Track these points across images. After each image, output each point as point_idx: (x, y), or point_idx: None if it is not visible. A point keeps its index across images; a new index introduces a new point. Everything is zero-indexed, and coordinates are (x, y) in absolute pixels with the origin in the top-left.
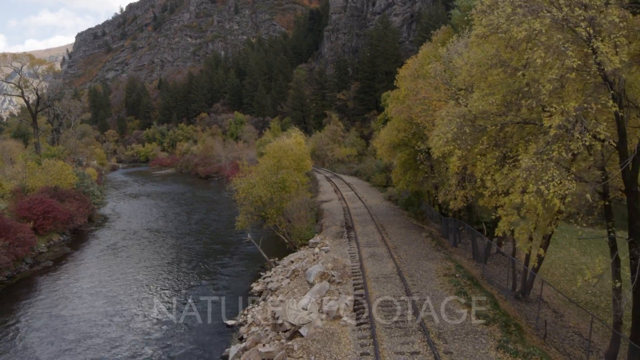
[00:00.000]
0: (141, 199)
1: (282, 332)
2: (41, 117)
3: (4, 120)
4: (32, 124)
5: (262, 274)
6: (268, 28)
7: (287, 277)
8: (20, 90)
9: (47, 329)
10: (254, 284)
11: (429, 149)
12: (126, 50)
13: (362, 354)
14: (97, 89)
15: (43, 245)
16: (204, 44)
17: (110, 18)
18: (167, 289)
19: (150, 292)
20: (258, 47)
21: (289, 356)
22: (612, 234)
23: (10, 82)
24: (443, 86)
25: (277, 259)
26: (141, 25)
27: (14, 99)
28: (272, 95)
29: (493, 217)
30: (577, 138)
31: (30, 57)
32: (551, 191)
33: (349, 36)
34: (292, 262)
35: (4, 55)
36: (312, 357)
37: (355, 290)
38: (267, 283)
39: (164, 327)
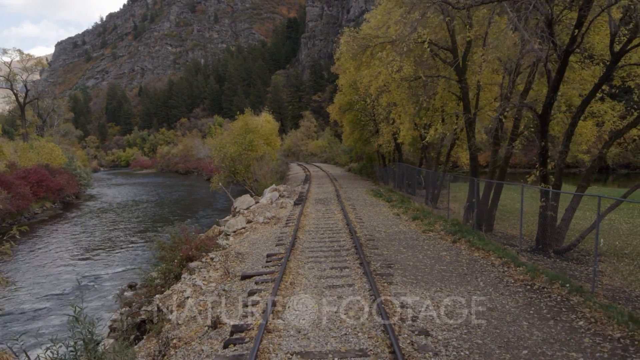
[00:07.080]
0: (125, 186)
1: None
2: (29, 110)
3: None
4: (20, 116)
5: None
6: (247, 36)
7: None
8: (9, 83)
9: (44, 261)
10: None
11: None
12: (106, 58)
13: (292, 210)
14: (77, 96)
15: (37, 209)
16: (184, 52)
17: (91, 27)
18: (149, 229)
19: (139, 230)
20: (237, 54)
21: (239, 216)
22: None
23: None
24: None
25: None
26: (121, 34)
27: None
28: (250, 100)
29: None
30: (409, 37)
31: (19, 52)
32: (394, 71)
33: (325, 42)
34: None
35: None
36: (256, 214)
37: (299, 197)
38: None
39: (147, 242)
